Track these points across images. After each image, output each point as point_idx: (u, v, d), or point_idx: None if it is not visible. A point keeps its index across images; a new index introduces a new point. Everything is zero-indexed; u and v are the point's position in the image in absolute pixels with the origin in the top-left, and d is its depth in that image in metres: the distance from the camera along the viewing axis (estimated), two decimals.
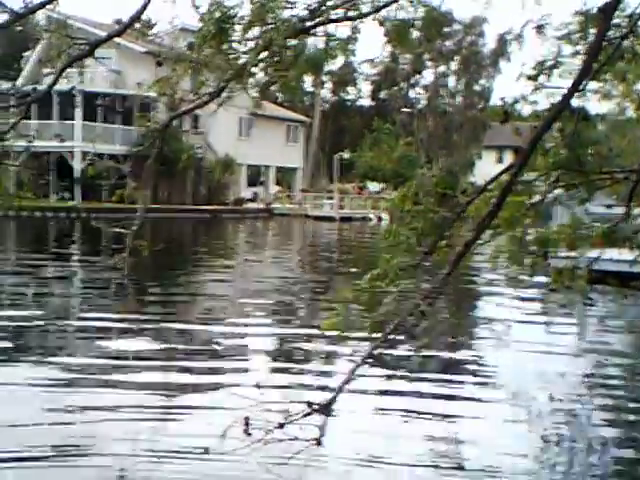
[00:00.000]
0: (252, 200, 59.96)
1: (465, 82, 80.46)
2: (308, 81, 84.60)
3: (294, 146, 67.44)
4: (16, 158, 39.87)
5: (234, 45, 5.10)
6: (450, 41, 79.57)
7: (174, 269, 24.19)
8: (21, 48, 56.07)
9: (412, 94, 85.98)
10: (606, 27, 4.66)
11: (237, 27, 4.94)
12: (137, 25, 5.68)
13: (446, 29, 79.16)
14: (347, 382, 4.42)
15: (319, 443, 4.22)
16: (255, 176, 63.92)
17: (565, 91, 4.74)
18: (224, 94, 5.52)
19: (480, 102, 79.01)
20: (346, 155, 65.44)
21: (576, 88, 4.64)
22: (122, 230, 5.42)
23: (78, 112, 46.28)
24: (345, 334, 4.63)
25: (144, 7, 5.03)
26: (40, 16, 6.36)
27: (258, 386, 5.92)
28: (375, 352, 4.56)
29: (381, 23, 6.32)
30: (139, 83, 36.02)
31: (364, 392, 8.89)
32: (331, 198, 60.32)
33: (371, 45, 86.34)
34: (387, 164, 68.46)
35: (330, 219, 53.88)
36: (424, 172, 6.13)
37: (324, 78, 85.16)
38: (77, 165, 46.76)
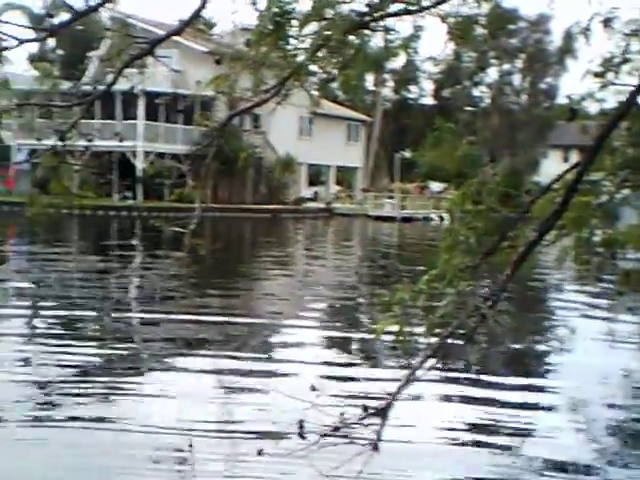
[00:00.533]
0: (312, 200, 60.07)
1: (530, 80, 79.38)
2: (369, 80, 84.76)
3: (355, 145, 67.37)
4: (79, 157, 40.75)
5: (291, 42, 5.05)
6: (515, 38, 78.61)
7: (233, 269, 24.36)
8: (85, 48, 57.08)
9: (476, 92, 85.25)
10: None
11: (294, 23, 4.91)
12: (197, 24, 5.70)
13: (511, 26, 78.29)
14: (404, 386, 4.33)
15: (376, 448, 4.14)
16: (315, 175, 64.06)
17: (633, 88, 4.65)
18: (282, 92, 5.46)
19: (546, 100, 77.88)
20: (407, 154, 65.13)
21: None
22: (180, 229, 5.42)
23: (140, 112, 46.92)
24: (401, 337, 4.56)
25: (202, 6, 5.01)
26: (103, 15, 6.45)
27: (313, 388, 5.79)
28: (433, 355, 4.46)
29: (443, 19, 6.22)
30: (198, 82, 36.37)
31: (420, 398, 8.83)
32: (392, 198, 60.10)
33: (434, 43, 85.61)
34: (449, 163, 67.90)
35: (391, 219, 53.67)
36: (487, 170, 5.97)
37: (386, 76, 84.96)
38: (139, 164, 47.41)
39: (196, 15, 5.13)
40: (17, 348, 11.64)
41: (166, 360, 11.39)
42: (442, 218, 55.23)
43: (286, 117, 56.41)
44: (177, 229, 5.47)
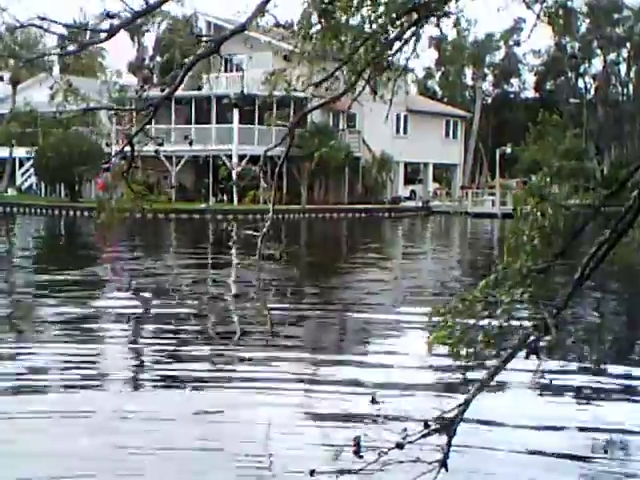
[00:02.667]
0: (410, 198, 60.31)
1: (637, 70, 77.71)
2: (468, 74, 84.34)
3: (453, 142, 67.20)
4: (176, 163, 41.58)
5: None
6: (620, 28, 77.11)
7: (327, 270, 24.93)
8: (183, 55, 58.73)
9: (580, 84, 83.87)
10: None
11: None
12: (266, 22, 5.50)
13: (616, 15, 76.80)
14: (469, 402, 4.13)
15: (444, 465, 3.94)
16: (413, 174, 64.26)
17: None
18: (359, 88, 5.47)
19: None
20: (509, 149, 64.56)
21: None
22: (254, 232, 5.38)
23: (235, 115, 48.08)
24: (456, 349, 4.30)
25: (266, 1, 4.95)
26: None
27: (374, 400, 5.90)
28: (497, 373, 4.21)
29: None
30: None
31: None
32: (493, 194, 59.76)
33: (536, 34, 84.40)
34: (553, 157, 67.02)
35: (491, 216, 53.40)
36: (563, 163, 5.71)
37: (485, 70, 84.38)
38: (234, 168, 48.57)
39: (260, 11, 4.99)
40: None
41: None
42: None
43: (381, 115, 56.86)
44: (251, 232, 5.44)
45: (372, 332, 14.92)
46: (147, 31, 69.00)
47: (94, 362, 11.92)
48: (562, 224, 4.79)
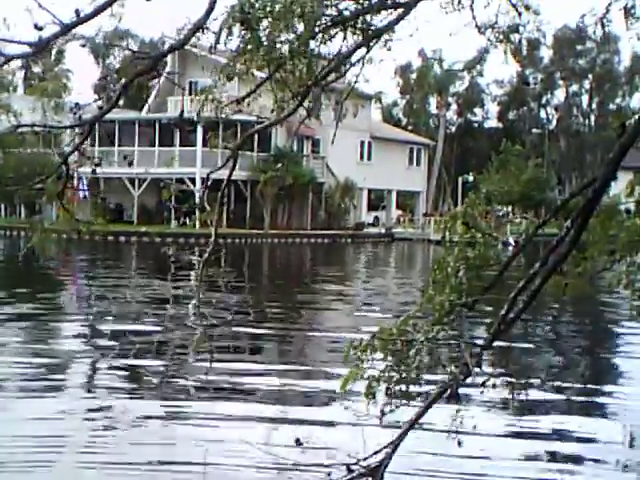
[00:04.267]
0: (373, 225, 60.72)
1: (598, 101, 79.20)
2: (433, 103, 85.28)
3: (417, 169, 67.83)
4: (140, 185, 41.41)
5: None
6: (583, 59, 78.63)
7: (291, 295, 25.00)
8: (149, 78, 58.91)
9: (542, 114, 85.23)
10: None
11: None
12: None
13: (579, 47, 78.31)
14: (397, 445, 3.98)
15: None
16: (377, 200, 64.73)
17: None
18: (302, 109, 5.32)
19: (615, 121, 77.50)
20: (471, 177, 65.33)
21: None
22: (195, 257, 5.31)
23: (199, 138, 48.17)
24: (371, 393, 4.06)
25: (206, 16, 4.83)
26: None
27: (298, 442, 5.20)
28: (418, 417, 4.06)
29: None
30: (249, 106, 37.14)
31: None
32: None
33: (499, 65, 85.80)
34: (515, 187, 67.91)
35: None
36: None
37: (449, 99, 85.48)
38: (197, 191, 48.57)
39: (198, 27, 4.86)
40: None
41: None
42: (506, 243, 55.23)
43: (346, 142, 57.30)
44: (195, 258, 5.33)
45: (308, 361, 14.26)
46: (110, 50, 69.07)
47: None
48: (493, 254, 4.55)
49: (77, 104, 5.63)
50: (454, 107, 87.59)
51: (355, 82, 5.64)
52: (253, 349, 15.87)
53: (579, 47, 78.45)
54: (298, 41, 4.69)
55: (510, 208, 70.07)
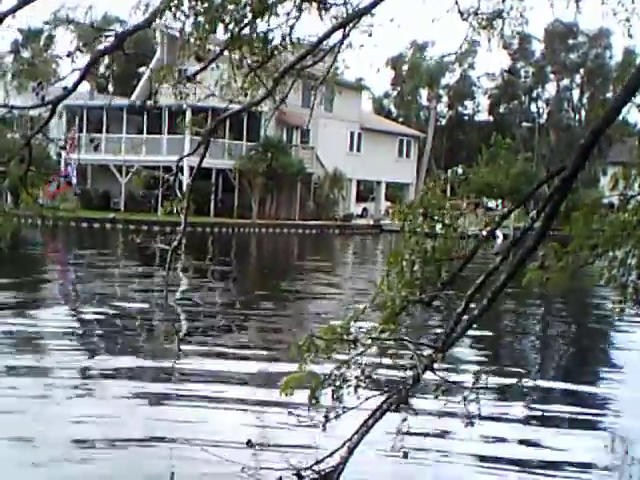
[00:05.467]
0: (362, 216, 60.80)
1: (590, 96, 79.39)
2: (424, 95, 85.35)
3: (406, 161, 67.93)
4: (127, 173, 41.31)
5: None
6: (575, 54, 78.76)
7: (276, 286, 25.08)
8: (139, 64, 59.02)
9: (533, 108, 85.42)
10: None
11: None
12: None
13: (571, 41, 78.44)
14: (353, 449, 3.77)
15: None
16: (366, 191, 64.78)
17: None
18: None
19: (599, 110, 77.67)
20: (460, 170, 65.49)
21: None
22: (163, 246, 5.22)
23: (187, 127, 48.07)
24: (315, 395, 3.78)
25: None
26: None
27: (250, 443, 4.99)
28: (374, 421, 3.84)
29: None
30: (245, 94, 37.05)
31: None
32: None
33: (490, 58, 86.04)
34: (504, 180, 68.12)
35: (464, 237, 54.19)
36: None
37: (440, 92, 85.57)
38: (185, 180, 48.46)
39: (166, 5, 4.83)
40: None
41: None
42: (494, 236, 55.53)
43: (335, 132, 57.30)
44: (163, 246, 5.20)
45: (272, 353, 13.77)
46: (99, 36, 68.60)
47: None
48: (455, 247, 4.18)
49: (40, 83, 5.55)
50: (445, 99, 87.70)
51: (331, 67, 5.64)
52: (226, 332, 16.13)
53: (571, 41, 78.60)
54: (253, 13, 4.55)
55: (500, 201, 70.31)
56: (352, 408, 3.71)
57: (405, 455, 4.02)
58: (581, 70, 79.32)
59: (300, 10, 4.95)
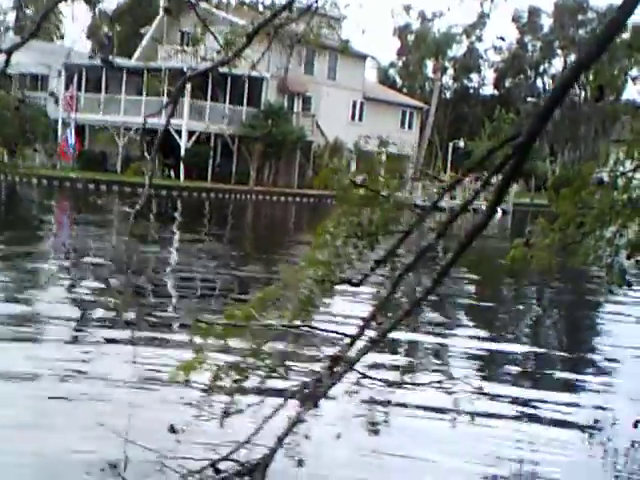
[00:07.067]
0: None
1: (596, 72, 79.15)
2: (429, 66, 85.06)
3: (408, 132, 67.85)
4: (124, 134, 41.18)
5: None
6: (583, 30, 78.42)
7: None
8: (140, 25, 58.83)
9: (539, 83, 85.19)
10: None
11: None
12: None
13: (580, 17, 78.11)
14: (282, 441, 3.44)
15: None
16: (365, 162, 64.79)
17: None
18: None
19: (611, 94, 77.58)
20: (462, 144, 65.45)
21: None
22: (127, 209, 5.09)
23: (186, 89, 48.01)
24: (216, 381, 3.33)
25: None
26: None
27: (172, 429, 4.35)
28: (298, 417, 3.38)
29: None
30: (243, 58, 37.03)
31: None
32: (443, 188, 60.46)
33: (498, 31, 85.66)
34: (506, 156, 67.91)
35: (439, 209, 54.33)
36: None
37: (446, 64, 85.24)
38: (183, 144, 48.52)
39: None
40: None
41: None
42: (497, 211, 55.79)
43: (337, 101, 57.21)
44: (128, 209, 4.99)
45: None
46: None
47: None
48: (395, 219, 3.68)
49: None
50: (451, 72, 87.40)
51: (308, 25, 5.63)
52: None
53: (580, 17, 78.28)
54: None
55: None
56: (261, 402, 3.28)
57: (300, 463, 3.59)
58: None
59: None
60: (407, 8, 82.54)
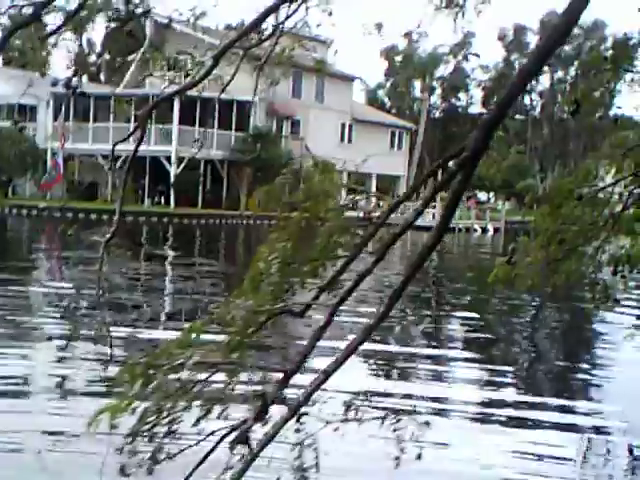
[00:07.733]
0: (352, 208, 60.85)
1: (583, 89, 79.65)
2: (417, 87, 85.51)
3: (398, 153, 68.03)
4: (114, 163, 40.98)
5: None
6: (569, 45, 78.93)
7: None
8: (129, 52, 59.08)
9: (527, 100, 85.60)
10: None
11: None
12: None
13: None
14: None
15: None
16: (356, 184, 64.88)
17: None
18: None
19: (598, 109, 78.00)
20: (451, 163, 65.69)
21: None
22: (97, 238, 4.97)
23: (175, 115, 48.06)
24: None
25: None
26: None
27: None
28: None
29: None
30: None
31: None
32: (434, 207, 60.55)
33: (484, 50, 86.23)
34: (497, 173, 68.33)
35: (431, 229, 54.41)
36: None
37: (434, 84, 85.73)
38: (173, 170, 48.48)
39: None
40: None
41: None
42: (485, 229, 55.95)
43: (326, 123, 57.40)
44: (96, 238, 4.92)
45: None
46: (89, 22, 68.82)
47: None
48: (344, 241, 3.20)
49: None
50: (438, 91, 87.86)
51: (275, 44, 5.56)
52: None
53: None
54: None
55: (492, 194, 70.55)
56: (191, 446, 2.88)
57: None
58: (575, 62, 79.50)
59: None
60: (379, 26, 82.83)
